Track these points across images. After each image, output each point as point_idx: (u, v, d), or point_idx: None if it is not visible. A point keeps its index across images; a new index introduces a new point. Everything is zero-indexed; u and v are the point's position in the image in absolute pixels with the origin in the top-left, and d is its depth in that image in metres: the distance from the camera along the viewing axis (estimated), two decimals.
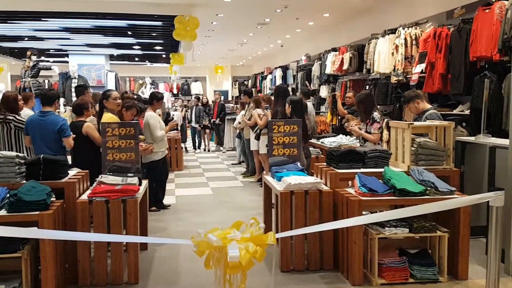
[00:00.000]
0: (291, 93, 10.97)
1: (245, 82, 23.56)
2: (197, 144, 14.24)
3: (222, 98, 14.77)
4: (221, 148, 13.96)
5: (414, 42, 7.41)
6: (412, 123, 4.71)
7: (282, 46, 16.58)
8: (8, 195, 3.66)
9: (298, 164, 5.05)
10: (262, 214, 5.35)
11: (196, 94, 19.59)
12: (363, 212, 4.15)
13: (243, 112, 9.49)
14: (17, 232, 2.86)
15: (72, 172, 4.54)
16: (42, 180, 4.02)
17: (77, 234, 3.61)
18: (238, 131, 10.18)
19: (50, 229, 3.55)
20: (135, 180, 4.47)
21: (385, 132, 5.87)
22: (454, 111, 6.37)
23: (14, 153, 4.06)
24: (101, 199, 4.06)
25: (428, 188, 4.08)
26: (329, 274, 4.29)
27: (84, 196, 4.17)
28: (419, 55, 7.08)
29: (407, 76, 7.41)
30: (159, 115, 7.15)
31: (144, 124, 6.40)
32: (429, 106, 5.45)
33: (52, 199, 3.93)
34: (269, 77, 17.93)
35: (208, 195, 7.90)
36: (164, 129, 6.53)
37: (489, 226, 3.26)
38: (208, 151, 14.12)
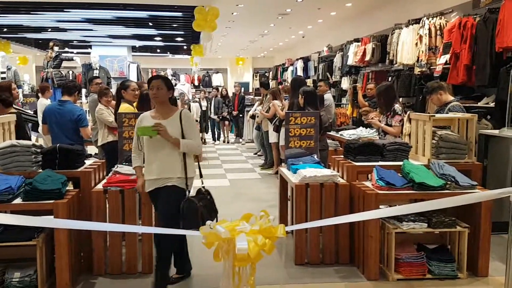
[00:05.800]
0: (311, 84, 10.85)
1: (266, 74, 23.35)
2: (216, 136, 14.25)
3: (243, 89, 14.70)
4: (240, 140, 13.94)
5: (438, 32, 7.19)
6: (434, 115, 4.57)
7: (303, 37, 16.35)
8: (23, 183, 3.69)
9: (315, 156, 4.97)
10: (278, 207, 5.30)
11: (216, 86, 19.53)
12: (381, 206, 4.05)
13: (257, 104, 9.40)
14: (31, 221, 2.87)
15: (89, 161, 4.56)
16: (58, 169, 4.04)
17: (90, 224, 3.62)
18: (256, 123, 10.11)
19: (64, 218, 3.57)
20: None
21: (407, 125, 5.71)
22: (479, 104, 6.16)
23: (30, 142, 4.09)
24: (116, 188, 4.07)
25: (448, 182, 3.96)
26: (345, 268, 4.22)
27: (100, 186, 4.19)
28: (444, 46, 6.87)
29: (431, 67, 7.20)
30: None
31: None
32: (452, 98, 5.29)
33: (69, 188, 3.97)
34: (290, 68, 17.75)
35: (225, 187, 7.87)
36: None
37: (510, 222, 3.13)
38: (227, 142, 14.11)
